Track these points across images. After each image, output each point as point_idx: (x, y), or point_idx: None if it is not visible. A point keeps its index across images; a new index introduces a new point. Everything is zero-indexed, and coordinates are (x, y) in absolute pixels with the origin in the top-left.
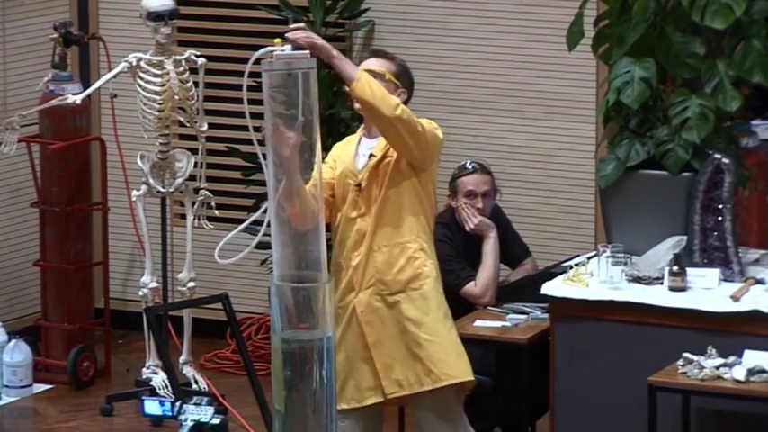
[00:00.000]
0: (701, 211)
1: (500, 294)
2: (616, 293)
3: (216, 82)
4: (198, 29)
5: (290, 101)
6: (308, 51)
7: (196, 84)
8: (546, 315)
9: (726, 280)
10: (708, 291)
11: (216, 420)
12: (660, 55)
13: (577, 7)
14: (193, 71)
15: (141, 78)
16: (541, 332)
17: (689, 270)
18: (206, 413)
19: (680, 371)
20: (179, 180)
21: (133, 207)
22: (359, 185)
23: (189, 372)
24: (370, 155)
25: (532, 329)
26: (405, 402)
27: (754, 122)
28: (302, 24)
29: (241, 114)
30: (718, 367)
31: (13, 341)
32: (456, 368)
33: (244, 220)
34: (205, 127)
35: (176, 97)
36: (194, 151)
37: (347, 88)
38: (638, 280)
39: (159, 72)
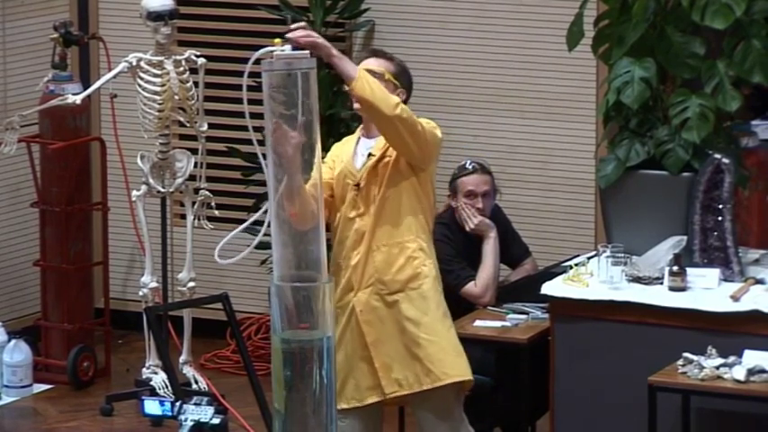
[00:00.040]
0: (701, 211)
1: (500, 294)
2: (616, 293)
3: (216, 82)
4: (198, 29)
5: (290, 101)
6: (307, 51)
7: (196, 84)
8: (546, 315)
9: (726, 280)
10: (708, 291)
11: (216, 420)
12: (660, 55)
13: (577, 7)
14: (193, 71)
15: (141, 78)
16: (541, 332)
17: (689, 270)
18: (206, 413)
19: (680, 371)
20: (179, 180)
21: (133, 207)
22: (358, 185)
23: (189, 372)
24: (369, 154)
25: (532, 329)
26: (405, 402)
27: (754, 122)
28: (303, 23)
29: (241, 114)
30: (718, 367)
31: (13, 341)
32: (455, 367)
33: (244, 221)
34: (205, 127)
35: (176, 97)
36: (194, 151)
37: (347, 87)
38: (638, 280)
39: (159, 72)
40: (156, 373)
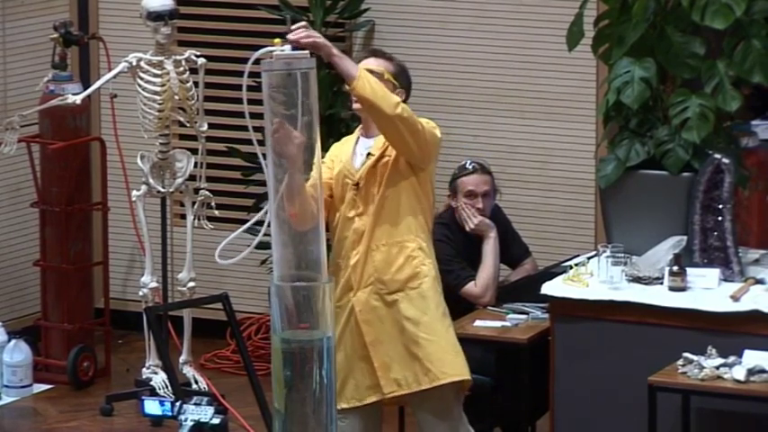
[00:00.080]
0: (701, 211)
1: (500, 294)
2: (616, 293)
3: (216, 82)
4: (198, 29)
5: (290, 101)
6: (307, 51)
7: (196, 84)
8: (546, 315)
9: (726, 280)
10: (708, 291)
11: (216, 420)
12: (660, 55)
13: (577, 7)
14: (193, 71)
15: (141, 78)
16: (541, 332)
17: (689, 270)
18: (206, 413)
19: (680, 371)
20: (179, 180)
21: (133, 207)
22: (357, 185)
23: (189, 372)
24: (368, 154)
25: (532, 329)
26: (404, 402)
27: (754, 122)
28: (304, 23)
29: (241, 114)
30: (718, 367)
31: (13, 341)
32: (454, 367)
33: (244, 220)
34: (205, 127)
35: (176, 97)
36: (194, 151)
37: (348, 87)
38: (638, 280)
39: (159, 72)
40: (156, 373)
